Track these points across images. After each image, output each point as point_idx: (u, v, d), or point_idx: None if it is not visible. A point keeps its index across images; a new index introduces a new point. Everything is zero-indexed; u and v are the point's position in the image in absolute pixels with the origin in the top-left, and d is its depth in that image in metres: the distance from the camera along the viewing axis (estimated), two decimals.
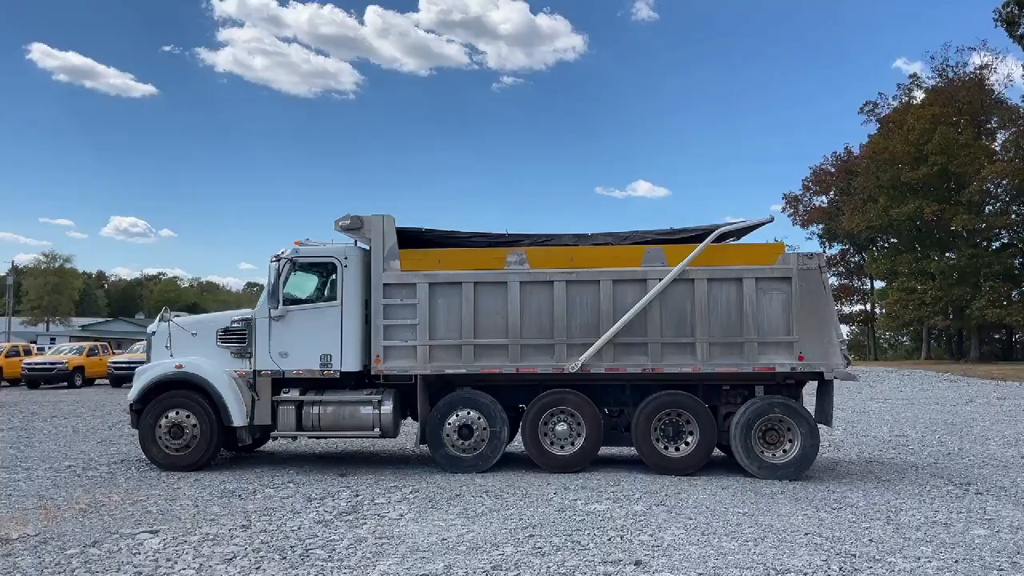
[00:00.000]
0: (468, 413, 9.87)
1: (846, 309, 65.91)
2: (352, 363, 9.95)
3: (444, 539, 6.51)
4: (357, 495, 8.42)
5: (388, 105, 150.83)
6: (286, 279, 10.14)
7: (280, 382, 10.10)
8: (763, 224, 10.51)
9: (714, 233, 9.99)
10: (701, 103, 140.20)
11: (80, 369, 30.38)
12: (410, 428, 11.23)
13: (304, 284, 10.45)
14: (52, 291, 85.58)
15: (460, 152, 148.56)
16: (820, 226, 63.69)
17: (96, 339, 47.13)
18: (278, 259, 10.11)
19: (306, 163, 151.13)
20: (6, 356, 31.36)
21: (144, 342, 16.13)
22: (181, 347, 10.34)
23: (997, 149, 50.55)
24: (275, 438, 10.95)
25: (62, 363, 29.80)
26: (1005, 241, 52.18)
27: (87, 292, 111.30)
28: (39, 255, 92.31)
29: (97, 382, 31.52)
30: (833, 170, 63.08)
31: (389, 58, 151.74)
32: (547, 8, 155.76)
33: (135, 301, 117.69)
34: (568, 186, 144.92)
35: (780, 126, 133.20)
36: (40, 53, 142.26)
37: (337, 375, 9.97)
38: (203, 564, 5.79)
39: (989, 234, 51.11)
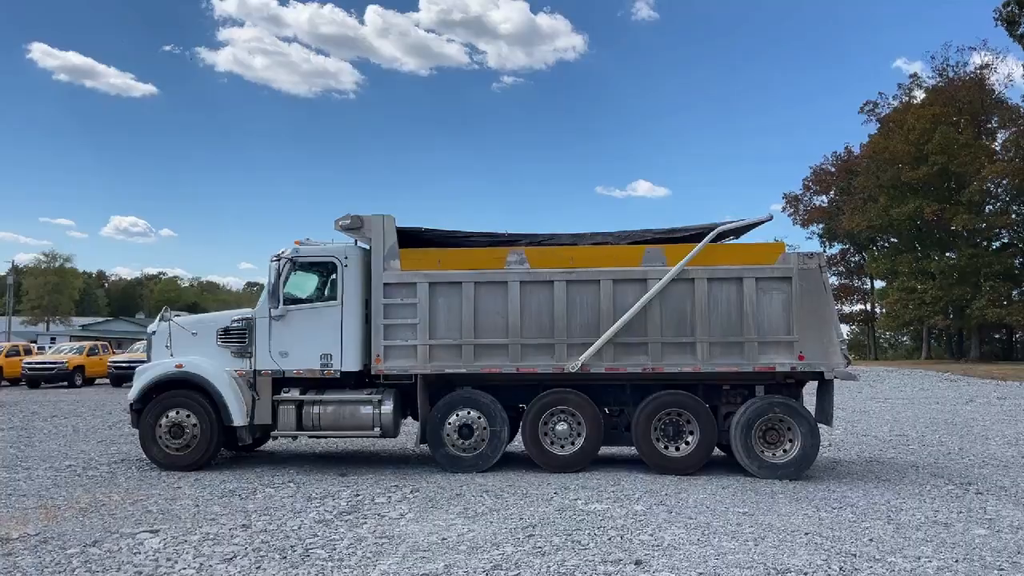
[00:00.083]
0: (468, 413, 9.87)
1: (846, 309, 66.02)
2: (352, 363, 9.95)
3: (444, 539, 6.51)
4: (357, 495, 8.42)
5: (388, 105, 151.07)
6: (286, 279, 10.14)
7: (280, 382, 10.10)
8: (762, 223, 10.51)
9: (713, 232, 9.99)
10: (701, 103, 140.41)
11: (80, 369, 30.39)
12: (410, 428, 11.23)
13: (304, 284, 10.45)
14: (52, 291, 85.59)
15: (460, 152, 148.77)
16: (820, 226, 63.75)
17: (96, 339, 47.15)
18: (278, 259, 10.11)
19: (306, 163, 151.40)
20: (6, 356, 31.37)
21: (144, 342, 16.15)
22: (181, 347, 10.34)
23: (997, 149, 50.59)
24: (275, 438, 10.94)
25: (62, 363, 29.80)
26: (1005, 241, 52.21)
27: (87, 292, 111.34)
28: (39, 255, 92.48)
29: (97, 382, 31.53)
30: (833, 170, 63.12)
31: (389, 58, 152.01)
32: (547, 8, 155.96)
33: (135, 301, 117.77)
34: (568, 186, 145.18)
35: (780, 126, 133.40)
36: (40, 53, 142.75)
37: (337, 375, 9.97)
38: (203, 564, 5.80)
39: (989, 234, 51.14)
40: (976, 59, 52.79)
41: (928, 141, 47.70)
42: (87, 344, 34.16)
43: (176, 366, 10.12)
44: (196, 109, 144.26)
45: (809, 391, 10.05)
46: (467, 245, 10.45)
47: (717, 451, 10.03)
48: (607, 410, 10.05)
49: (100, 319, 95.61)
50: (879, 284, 62.91)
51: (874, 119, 57.35)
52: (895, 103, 56.37)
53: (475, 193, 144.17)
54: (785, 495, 8.39)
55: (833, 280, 58.93)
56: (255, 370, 10.09)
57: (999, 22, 43.21)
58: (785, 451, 9.49)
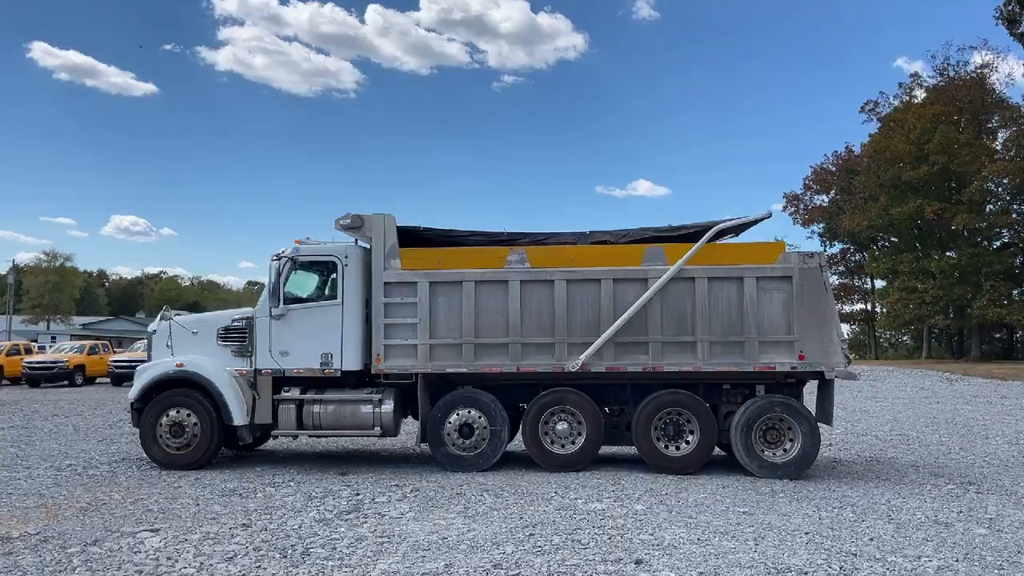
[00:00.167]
0: (469, 412, 9.87)
1: (847, 308, 66.04)
2: (353, 362, 9.95)
3: (445, 538, 6.51)
4: (358, 494, 8.43)
5: (388, 104, 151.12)
6: (287, 278, 10.14)
7: (281, 381, 10.10)
8: (761, 220, 10.51)
9: (712, 230, 9.98)
10: (701, 102, 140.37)
11: (81, 368, 30.40)
12: (411, 427, 11.23)
13: (305, 283, 10.45)
14: (53, 290, 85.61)
15: (460, 151, 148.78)
16: (821, 225, 63.77)
17: (97, 338, 47.10)
18: (279, 258, 10.11)
19: (306, 162, 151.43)
20: (7, 355, 31.39)
21: (145, 341, 16.14)
22: (182, 346, 10.34)
23: (998, 148, 50.58)
24: (276, 437, 10.96)
25: (63, 362, 29.82)
26: (1006, 240, 52.18)
27: (88, 291, 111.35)
28: (40, 254, 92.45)
29: (98, 381, 31.54)
30: (834, 169, 63.10)
31: (390, 57, 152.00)
32: (548, 7, 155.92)
33: (136, 300, 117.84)
34: (568, 185, 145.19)
35: (780, 126, 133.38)
36: (41, 52, 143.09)
37: (338, 374, 9.97)
38: (204, 563, 5.80)
39: (990, 233, 51.12)
40: (977, 58, 52.88)
41: (929, 140, 47.68)
42: (87, 343, 34.20)
43: (177, 365, 10.12)
44: (196, 108, 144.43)
45: (809, 391, 10.05)
46: (467, 244, 10.45)
47: (717, 451, 10.03)
48: (607, 409, 10.05)
49: (100, 318, 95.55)
50: (880, 283, 62.94)
51: (875, 118, 57.38)
52: (896, 102, 56.39)
53: (475, 193, 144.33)
54: (785, 494, 8.39)
55: (833, 279, 58.76)
56: (255, 369, 10.09)
57: (1000, 21, 43.19)
58: (785, 450, 9.49)
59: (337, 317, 9.97)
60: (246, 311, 10.39)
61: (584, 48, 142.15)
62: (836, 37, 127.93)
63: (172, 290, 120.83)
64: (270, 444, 12.19)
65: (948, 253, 51.83)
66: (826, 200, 64.58)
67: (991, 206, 50.68)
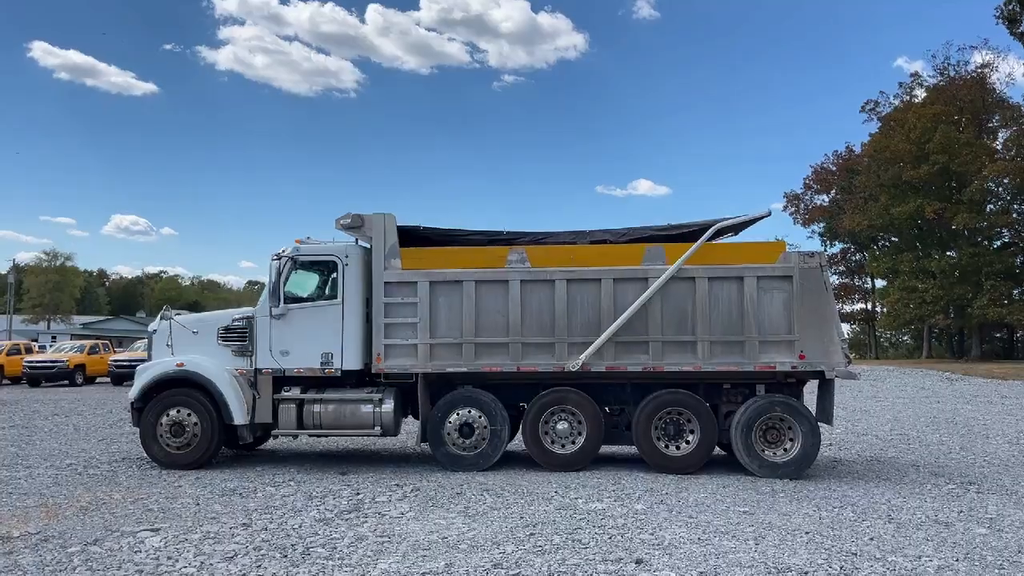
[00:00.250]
0: (469, 412, 9.87)
1: (847, 308, 66.01)
2: (353, 361, 9.95)
3: (445, 537, 6.51)
4: (358, 493, 8.43)
5: (389, 104, 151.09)
6: (287, 277, 10.14)
7: (281, 380, 10.10)
8: (760, 219, 10.51)
9: (711, 229, 9.99)
10: (702, 102, 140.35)
11: (81, 367, 30.40)
12: (411, 427, 11.23)
13: (305, 282, 10.45)
14: (53, 289, 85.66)
15: (461, 151, 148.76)
16: (821, 225, 63.72)
17: (97, 337, 47.12)
18: (279, 257, 10.11)
19: (307, 161, 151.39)
20: (7, 354, 31.40)
21: (145, 340, 16.14)
22: (182, 345, 10.34)
23: (998, 148, 50.56)
24: (276, 436, 10.96)
25: (63, 361, 29.82)
26: (1006, 240, 52.18)
27: (88, 290, 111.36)
28: (40, 253, 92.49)
29: (98, 380, 31.54)
30: (834, 169, 63.07)
31: (390, 56, 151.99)
32: (548, 7, 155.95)
33: (136, 299, 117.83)
34: (569, 185, 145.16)
35: (780, 126, 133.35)
36: (41, 51, 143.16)
37: (338, 373, 9.97)
38: (204, 562, 5.80)
39: (990, 233, 51.11)
40: (977, 58, 52.83)
41: (929, 140, 47.65)
42: (88, 343, 34.21)
43: (177, 365, 10.12)
44: (197, 108, 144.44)
45: (810, 390, 10.05)
46: (467, 243, 10.45)
47: (718, 450, 10.03)
48: (608, 409, 10.05)
49: (101, 318, 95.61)
50: (880, 283, 62.90)
51: (875, 118, 57.33)
52: (896, 102, 56.34)
53: (476, 192, 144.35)
54: (786, 494, 8.39)
55: (834, 279, 58.83)
56: (256, 369, 10.10)
57: (1000, 20, 43.16)
58: (786, 450, 9.49)
59: (337, 317, 9.97)
60: (246, 311, 10.39)
61: (584, 48, 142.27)
62: (836, 37, 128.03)
63: (172, 290, 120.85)
64: (270, 443, 12.19)
65: (948, 253, 51.83)
66: (826, 200, 64.56)
67: (991, 206, 50.68)
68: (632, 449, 10.19)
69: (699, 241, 9.78)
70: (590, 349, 9.57)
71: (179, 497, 8.20)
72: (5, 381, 30.52)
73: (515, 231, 10.59)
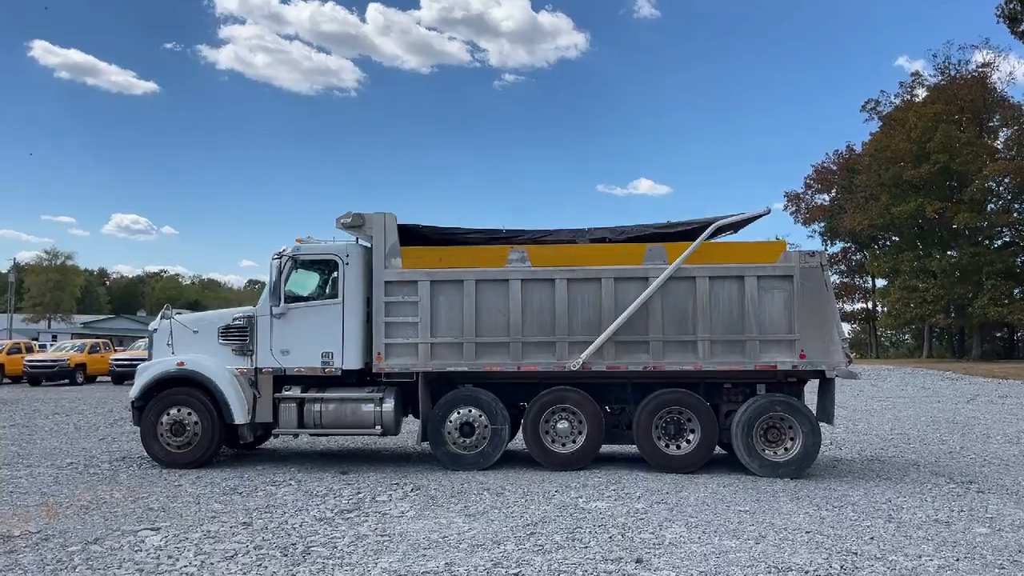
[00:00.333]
0: (469, 411, 9.87)
1: (848, 307, 66.02)
2: (353, 361, 9.95)
3: (445, 536, 6.51)
4: (358, 493, 8.43)
5: (389, 103, 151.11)
6: (287, 277, 10.14)
7: (281, 379, 10.10)
8: (760, 216, 10.50)
9: (711, 227, 9.98)
10: (702, 101, 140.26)
11: (82, 366, 30.44)
12: (411, 426, 11.23)
13: (306, 281, 10.45)
14: (54, 288, 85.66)
15: (461, 150, 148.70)
16: (822, 224, 63.70)
17: (98, 336, 47.10)
18: (280, 256, 10.11)
19: (307, 161, 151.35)
20: (8, 353, 31.41)
21: (146, 339, 16.15)
22: (183, 344, 10.34)
23: (999, 147, 50.56)
24: (276, 436, 10.96)
25: (64, 360, 29.85)
26: (1007, 239, 52.20)
27: (89, 289, 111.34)
28: (41, 252, 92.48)
29: (99, 379, 31.56)
30: (835, 168, 63.06)
31: (391, 55, 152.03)
32: (549, 6, 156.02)
33: (136, 298, 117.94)
34: (569, 184, 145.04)
35: (780, 126, 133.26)
36: (41, 50, 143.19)
37: (338, 373, 9.97)
38: (205, 561, 5.80)
39: (991, 232, 51.12)
40: (978, 57, 52.83)
41: (930, 139, 47.66)
42: (88, 342, 34.21)
43: (177, 364, 10.12)
44: (197, 107, 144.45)
45: (810, 390, 10.04)
46: (467, 242, 10.45)
47: (718, 450, 10.03)
48: (608, 408, 10.05)
49: (101, 317, 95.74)
50: (880, 282, 62.88)
51: (876, 117, 57.35)
52: (897, 101, 56.35)
53: (476, 191, 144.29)
54: (786, 494, 8.39)
55: (834, 278, 58.94)
56: (256, 368, 10.09)
57: (1001, 19, 43.06)
58: (786, 450, 9.49)
59: (338, 316, 9.97)
60: (247, 310, 10.39)
61: (585, 47, 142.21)
62: (836, 37, 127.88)
63: (173, 289, 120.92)
64: (271, 443, 12.19)
65: (949, 252, 51.83)
66: (827, 199, 64.58)
67: (992, 205, 50.71)
68: (633, 448, 10.19)
69: (698, 240, 9.78)
70: (591, 348, 9.57)
71: (180, 496, 8.20)
72: (6, 380, 30.53)
73: (515, 229, 10.59)
